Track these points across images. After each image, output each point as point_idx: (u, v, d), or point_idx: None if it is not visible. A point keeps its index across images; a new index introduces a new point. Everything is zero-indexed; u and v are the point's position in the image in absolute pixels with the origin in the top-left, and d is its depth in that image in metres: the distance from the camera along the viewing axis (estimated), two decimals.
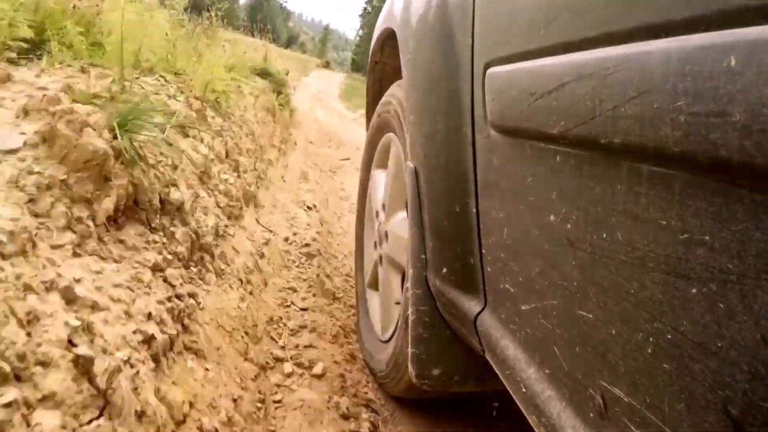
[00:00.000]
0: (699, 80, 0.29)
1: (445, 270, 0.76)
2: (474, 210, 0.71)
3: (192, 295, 0.99)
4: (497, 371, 0.63)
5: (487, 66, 0.64)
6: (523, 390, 0.54)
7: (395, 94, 1.14)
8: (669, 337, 0.33)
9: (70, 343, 0.59)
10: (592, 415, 0.43)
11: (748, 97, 0.26)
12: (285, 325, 1.36)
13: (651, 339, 0.35)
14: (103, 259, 0.79)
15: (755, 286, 0.27)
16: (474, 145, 0.70)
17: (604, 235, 0.40)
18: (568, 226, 0.45)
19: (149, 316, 0.78)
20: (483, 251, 0.70)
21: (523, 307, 0.56)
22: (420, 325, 0.83)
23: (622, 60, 0.36)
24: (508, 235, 0.60)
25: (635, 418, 0.37)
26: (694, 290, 0.31)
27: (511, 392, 0.59)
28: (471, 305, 0.71)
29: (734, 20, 0.28)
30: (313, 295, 1.58)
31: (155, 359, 0.76)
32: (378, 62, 1.46)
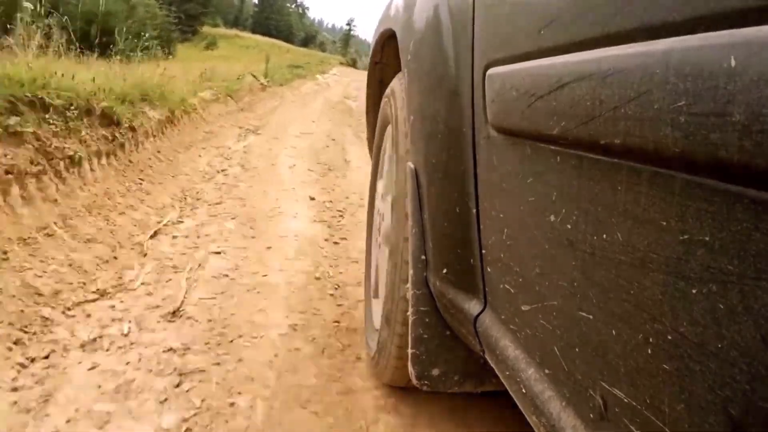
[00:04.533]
0: (699, 81, 0.29)
1: (445, 270, 0.76)
2: (474, 210, 0.71)
3: None
4: (497, 371, 0.63)
5: (487, 67, 0.64)
6: (523, 390, 0.54)
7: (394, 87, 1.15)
8: (669, 337, 0.33)
9: None
10: (592, 415, 0.43)
11: (748, 97, 0.26)
12: None
13: (651, 339, 0.35)
14: None
15: (755, 286, 0.27)
16: (474, 146, 0.70)
17: (604, 236, 0.40)
18: (568, 226, 0.45)
19: None
20: (483, 252, 0.70)
21: (523, 308, 0.56)
22: (420, 325, 0.83)
23: (622, 60, 0.36)
24: (509, 235, 0.60)
25: (635, 419, 0.37)
26: (694, 291, 0.31)
27: (511, 392, 0.59)
28: (471, 305, 0.71)
29: (734, 20, 0.28)
30: None
31: None
32: (378, 63, 1.46)
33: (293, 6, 50.68)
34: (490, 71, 0.63)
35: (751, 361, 0.28)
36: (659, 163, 0.34)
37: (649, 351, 0.35)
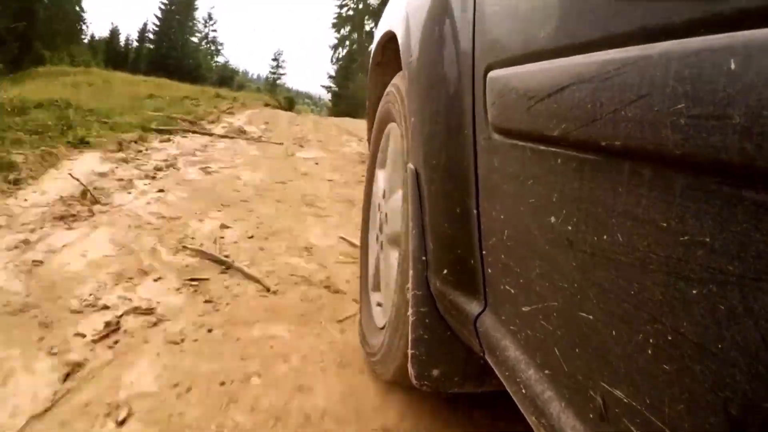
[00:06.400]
0: (699, 83, 0.29)
1: (445, 271, 0.76)
2: (475, 211, 0.71)
3: None
4: (497, 372, 0.63)
5: (487, 69, 0.64)
6: (523, 391, 0.54)
7: (396, 84, 1.16)
8: (669, 338, 0.34)
9: None
10: (592, 416, 0.43)
11: (748, 99, 0.26)
12: None
13: (651, 340, 0.35)
14: None
15: (755, 287, 0.27)
16: (475, 147, 0.70)
17: (605, 237, 0.40)
18: (569, 227, 0.45)
19: None
20: (484, 253, 0.70)
21: (523, 309, 0.56)
22: (420, 326, 0.83)
23: (622, 63, 0.36)
24: (509, 236, 0.60)
25: (635, 419, 0.37)
26: (694, 291, 0.31)
27: (511, 393, 0.59)
28: (471, 306, 0.71)
29: (734, 23, 0.28)
30: None
31: None
32: (379, 64, 1.47)
33: (203, 44, 43.47)
34: (491, 73, 0.63)
35: (751, 362, 0.28)
36: (659, 165, 0.34)
37: (650, 351, 0.36)
